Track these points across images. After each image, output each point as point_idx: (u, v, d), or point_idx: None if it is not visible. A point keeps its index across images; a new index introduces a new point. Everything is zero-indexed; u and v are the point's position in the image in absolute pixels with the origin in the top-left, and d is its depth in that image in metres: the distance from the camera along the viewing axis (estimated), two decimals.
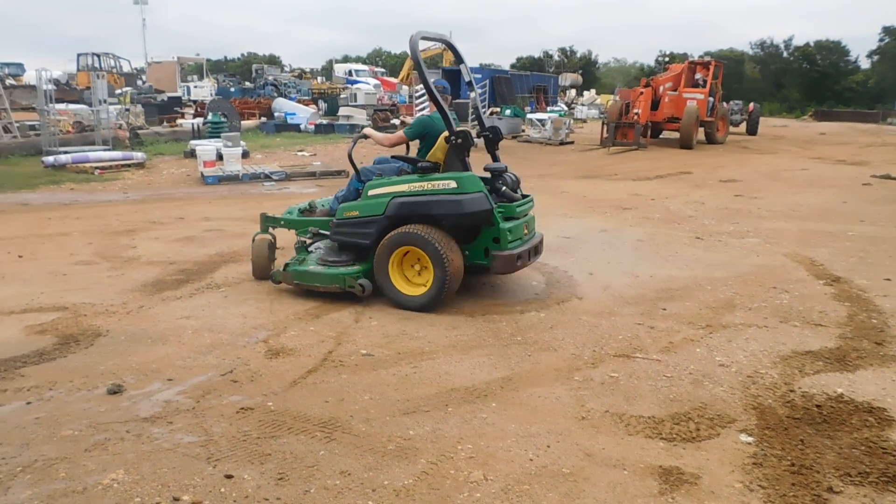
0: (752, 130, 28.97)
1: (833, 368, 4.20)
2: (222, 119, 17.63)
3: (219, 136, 15.21)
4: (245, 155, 14.59)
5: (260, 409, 3.51)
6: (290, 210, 6.16)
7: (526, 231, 5.48)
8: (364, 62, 60.48)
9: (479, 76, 29.91)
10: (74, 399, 3.60)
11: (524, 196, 5.60)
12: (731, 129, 26.87)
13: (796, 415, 3.57)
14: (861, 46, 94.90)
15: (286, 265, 5.59)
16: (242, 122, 21.37)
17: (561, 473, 2.97)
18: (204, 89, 33.47)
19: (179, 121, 22.27)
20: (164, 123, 22.13)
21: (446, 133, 5.30)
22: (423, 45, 5.81)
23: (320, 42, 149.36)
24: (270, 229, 6.17)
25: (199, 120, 19.60)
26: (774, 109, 57.29)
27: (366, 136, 5.88)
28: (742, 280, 6.17)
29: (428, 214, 5.09)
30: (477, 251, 5.22)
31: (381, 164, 5.80)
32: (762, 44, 72.49)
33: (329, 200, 6.01)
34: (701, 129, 22.15)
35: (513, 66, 62.52)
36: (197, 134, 17.84)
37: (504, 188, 5.41)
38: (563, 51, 73.42)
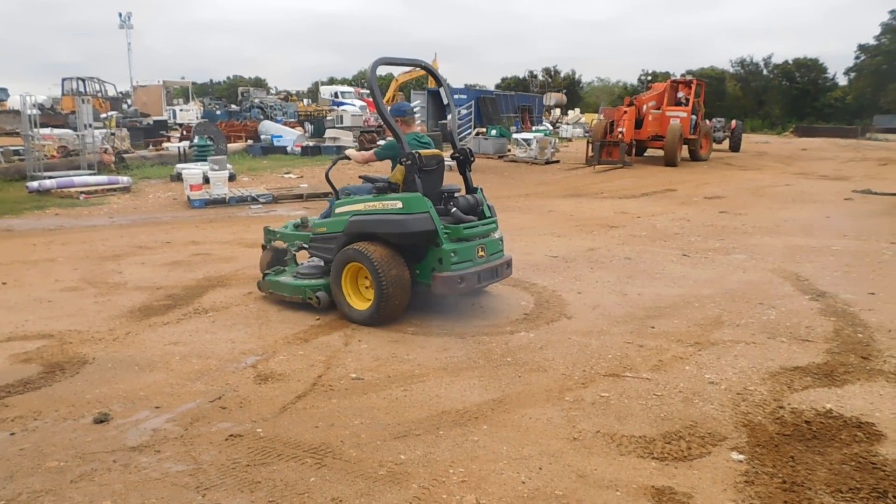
0: (735, 147, 29.37)
1: (821, 384, 4.22)
2: (208, 142, 17.61)
3: (205, 160, 15.18)
4: (232, 178, 14.56)
5: (249, 436, 3.48)
6: (287, 225, 6.69)
7: (481, 253, 5.44)
8: (350, 84, 60.79)
9: (464, 97, 30.14)
10: (60, 429, 3.55)
11: (487, 217, 5.65)
12: (715, 146, 27.27)
13: (786, 431, 3.58)
14: (838, 64, 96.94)
15: (265, 274, 6.00)
16: (229, 145, 21.34)
17: (554, 496, 2.96)
18: (190, 112, 33.47)
19: (165, 144, 22.20)
20: (150, 147, 22.04)
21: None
22: (407, 67, 6.02)
23: (306, 64, 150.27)
24: (274, 242, 6.54)
25: (186, 143, 19.55)
26: (756, 126, 58.13)
27: (347, 157, 6.25)
28: (729, 296, 6.21)
29: (374, 233, 5.27)
30: (426, 271, 5.30)
31: (363, 184, 5.92)
32: (742, 62, 73.67)
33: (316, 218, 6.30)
34: (685, 147, 22.43)
35: (497, 87, 63.04)
36: (183, 157, 17.78)
37: (454, 209, 5.46)
38: (547, 71, 74.24)
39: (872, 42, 61.33)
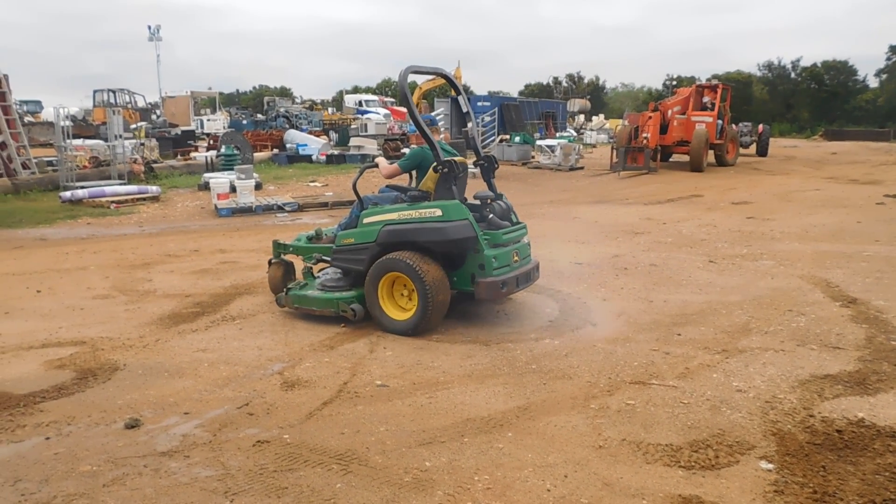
0: (762, 152, 28.97)
1: (853, 392, 4.15)
2: (235, 151, 17.87)
3: (232, 169, 15.41)
4: (258, 187, 14.76)
5: (276, 442, 3.52)
6: (299, 237, 6.42)
7: (516, 258, 5.51)
8: (374, 92, 61.25)
9: (487, 104, 30.21)
10: (93, 434, 3.63)
11: (516, 223, 5.73)
12: (742, 150, 26.90)
13: (817, 440, 3.52)
14: (869, 66, 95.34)
15: (288, 289, 5.83)
16: (255, 154, 21.63)
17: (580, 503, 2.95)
18: (217, 122, 33.96)
19: (193, 154, 22.59)
20: (179, 157, 22.43)
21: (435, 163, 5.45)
22: (430, 76, 6.08)
23: (330, 73, 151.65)
24: (284, 255, 6.45)
25: (213, 153, 19.86)
26: (784, 130, 57.32)
27: (376, 165, 6.17)
28: (757, 303, 6.13)
29: (414, 241, 5.24)
30: (464, 278, 5.33)
31: (384, 192, 5.96)
32: (770, 65, 72.78)
33: (334, 228, 6.18)
34: (711, 152, 22.20)
35: (521, 93, 63.09)
36: (210, 167, 18.06)
37: (491, 216, 5.56)
38: (570, 76, 74.05)
39: None
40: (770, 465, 3.27)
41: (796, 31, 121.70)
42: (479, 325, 5.50)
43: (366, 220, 5.53)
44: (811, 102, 68.19)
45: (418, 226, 5.20)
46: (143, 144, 20.70)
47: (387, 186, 5.99)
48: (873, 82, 66.77)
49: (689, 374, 4.43)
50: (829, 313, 5.83)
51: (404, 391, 4.19)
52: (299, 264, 6.29)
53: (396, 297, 5.41)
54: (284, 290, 5.86)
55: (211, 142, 24.48)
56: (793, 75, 71.66)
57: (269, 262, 6.45)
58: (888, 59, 61.99)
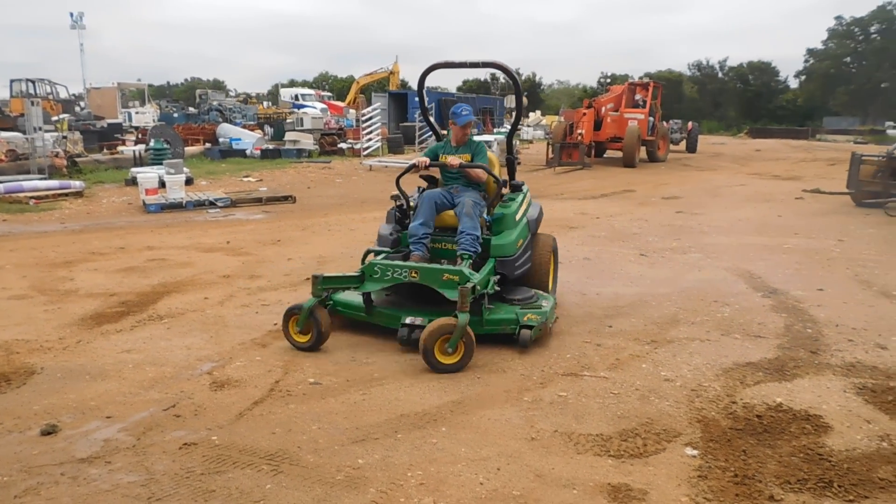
0: (691, 148, 29.98)
1: (772, 378, 4.33)
2: (165, 145, 17.27)
3: (161, 163, 14.88)
4: (189, 182, 14.31)
5: (204, 444, 3.41)
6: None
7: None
8: (311, 86, 60.32)
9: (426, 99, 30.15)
10: (5, 442, 3.43)
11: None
12: (672, 147, 27.76)
13: (738, 426, 3.66)
14: (790, 67, 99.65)
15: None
16: (186, 149, 20.97)
17: (511, 496, 2.97)
18: (146, 115, 32.82)
19: (120, 148, 21.70)
20: (105, 151, 21.53)
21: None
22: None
23: (266, 66, 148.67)
24: None
25: (141, 147, 19.15)
26: (713, 127, 59.50)
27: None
28: (685, 295, 6.32)
29: None
30: None
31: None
32: (699, 65, 75.40)
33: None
34: (643, 148, 22.81)
35: (459, 89, 63.30)
36: (139, 161, 17.41)
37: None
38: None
39: (821, 47, 63.31)
40: (695, 452, 3.38)
41: (724, 33, 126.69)
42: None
43: None
44: (737, 101, 71.08)
45: None
46: (65, 137, 19.74)
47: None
48: (794, 83, 70.03)
49: (620, 365, 4.53)
50: (752, 304, 6.07)
51: (338, 388, 4.14)
52: None
53: None
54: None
55: (139, 135, 23.63)
56: (720, 75, 74.50)
57: None
58: (806, 61, 65.11)
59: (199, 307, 5.88)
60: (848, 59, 61.49)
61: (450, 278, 4.64)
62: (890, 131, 47.63)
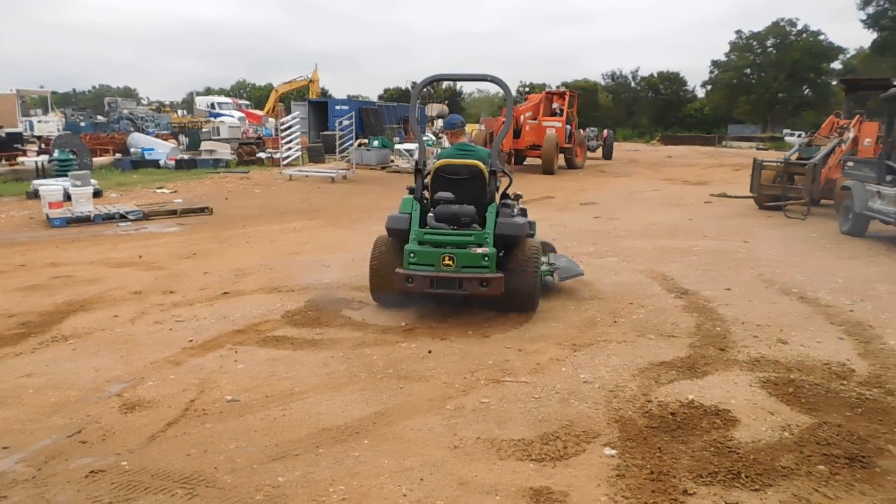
0: (607, 155, 30.99)
1: (685, 376, 4.50)
2: (71, 156, 16.41)
3: (66, 175, 14.13)
4: (97, 194, 13.65)
5: (113, 471, 3.24)
6: None
7: (448, 262, 5.58)
8: (228, 94, 58.84)
9: (346, 108, 29.98)
10: None
11: (466, 232, 5.79)
12: (589, 154, 28.60)
13: (654, 424, 3.78)
14: (696, 77, 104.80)
15: None
16: (95, 159, 20.01)
17: None
18: (50, 124, 31.10)
19: (21, 159, 20.47)
20: (3, 162, 20.27)
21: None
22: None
23: (181, 74, 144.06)
24: None
25: (45, 157, 18.13)
26: (627, 135, 61.77)
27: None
28: (603, 298, 6.50)
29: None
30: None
31: None
32: (613, 74, 78.07)
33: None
34: (561, 156, 23.39)
35: (380, 98, 63.17)
36: (42, 173, 16.46)
37: (430, 215, 5.95)
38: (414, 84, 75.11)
39: (724, 58, 66.78)
40: (613, 451, 3.47)
41: (635, 44, 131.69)
42: (336, 332, 5.40)
43: None
44: (650, 109, 74.08)
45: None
46: None
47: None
48: (701, 92, 73.55)
49: (541, 370, 4.61)
50: (666, 304, 6.30)
51: (257, 405, 4.02)
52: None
53: None
54: None
55: (42, 145, 22.36)
56: (633, 84, 77.40)
57: None
58: (711, 72, 68.46)
59: (109, 325, 5.60)
60: (748, 70, 65.08)
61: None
62: (788, 138, 50.73)
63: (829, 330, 5.55)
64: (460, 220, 5.80)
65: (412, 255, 5.57)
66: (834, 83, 55.72)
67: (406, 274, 5.49)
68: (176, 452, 3.44)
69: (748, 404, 4.04)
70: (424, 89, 6.47)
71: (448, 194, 5.85)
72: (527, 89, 66.56)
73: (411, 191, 6.03)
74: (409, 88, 64.91)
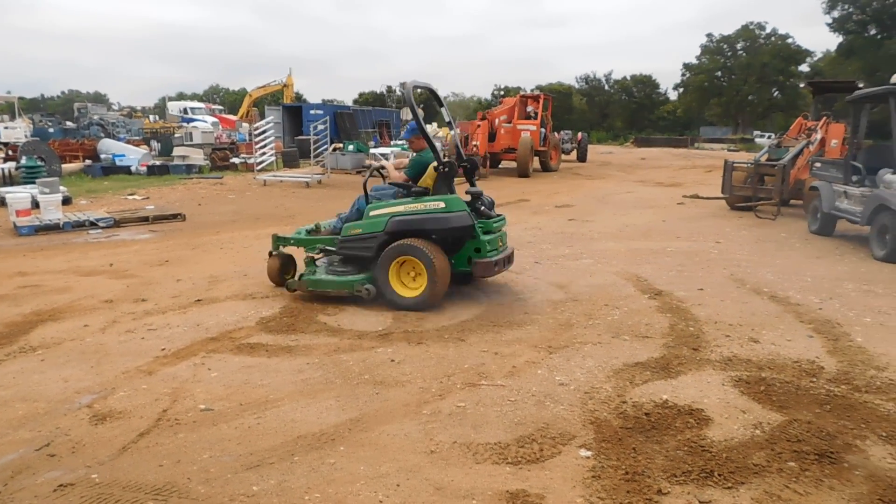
0: (582, 158, 31.24)
1: (659, 377, 4.54)
2: (39, 163, 16.15)
3: (34, 182, 13.87)
4: (67, 201, 13.43)
5: (82, 484, 3.18)
6: (299, 231, 7.18)
7: (500, 243, 6.50)
8: (201, 99, 58.24)
9: (321, 112, 29.84)
10: None
11: (498, 215, 6.70)
12: (564, 157, 28.81)
13: (629, 424, 3.81)
14: (668, 80, 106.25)
15: (300, 276, 6.55)
16: (64, 166, 19.69)
17: None
18: (17, 130, 30.42)
19: None
20: None
21: (436, 163, 6.32)
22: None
23: (152, 78, 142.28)
24: (282, 248, 7.05)
25: (12, 164, 17.79)
26: (601, 137, 62.37)
27: (382, 169, 7.16)
28: (578, 300, 6.54)
29: (421, 230, 6.13)
30: (461, 260, 6.26)
31: (379, 191, 6.76)
32: (587, 78, 78.74)
33: (332, 222, 7.07)
34: (536, 159, 23.51)
35: (355, 102, 63.06)
36: (9, 180, 16.16)
37: (483, 207, 6.47)
38: (404, 85, 75.13)
39: (695, 61, 67.75)
40: (588, 453, 3.49)
41: (608, 48, 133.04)
42: (311, 338, 5.37)
43: (373, 213, 6.31)
44: (623, 112, 74.85)
45: (425, 216, 6.10)
46: None
47: (389, 184, 6.80)
48: (673, 95, 74.51)
49: (517, 372, 4.62)
50: (640, 305, 6.36)
51: (231, 413, 3.98)
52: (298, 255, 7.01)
53: (404, 277, 6.19)
54: (297, 276, 6.57)
55: (9, 152, 21.93)
56: (606, 87, 78.12)
57: (269, 254, 7.07)
58: (683, 75, 69.40)
59: (78, 335, 5.51)
60: (719, 73, 66.11)
61: None
62: (758, 139, 51.59)
63: (798, 328, 5.64)
64: (493, 208, 6.65)
65: (488, 245, 6.20)
66: (802, 86, 56.83)
67: (492, 261, 6.14)
68: (148, 464, 3.38)
69: (721, 403, 4.09)
70: (419, 91, 6.87)
71: (477, 189, 6.57)
72: (501, 93, 66.91)
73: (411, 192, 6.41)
74: (384, 92, 64.91)
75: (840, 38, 48.51)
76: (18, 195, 11.86)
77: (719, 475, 3.22)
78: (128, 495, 3.08)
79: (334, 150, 24.82)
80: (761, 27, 63.98)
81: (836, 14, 47.27)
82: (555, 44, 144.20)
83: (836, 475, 3.25)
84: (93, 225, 11.58)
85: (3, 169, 17.50)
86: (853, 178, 9.80)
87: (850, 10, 46.22)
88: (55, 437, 3.68)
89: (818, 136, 12.98)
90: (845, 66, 46.80)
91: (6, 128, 30.47)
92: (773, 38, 63.24)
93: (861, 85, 14.03)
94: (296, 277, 6.58)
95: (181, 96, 64.37)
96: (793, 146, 13.60)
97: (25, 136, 27.60)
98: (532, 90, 30.37)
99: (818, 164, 11.31)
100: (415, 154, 6.91)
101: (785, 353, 5.01)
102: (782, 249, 9.47)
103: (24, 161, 16.29)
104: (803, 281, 7.34)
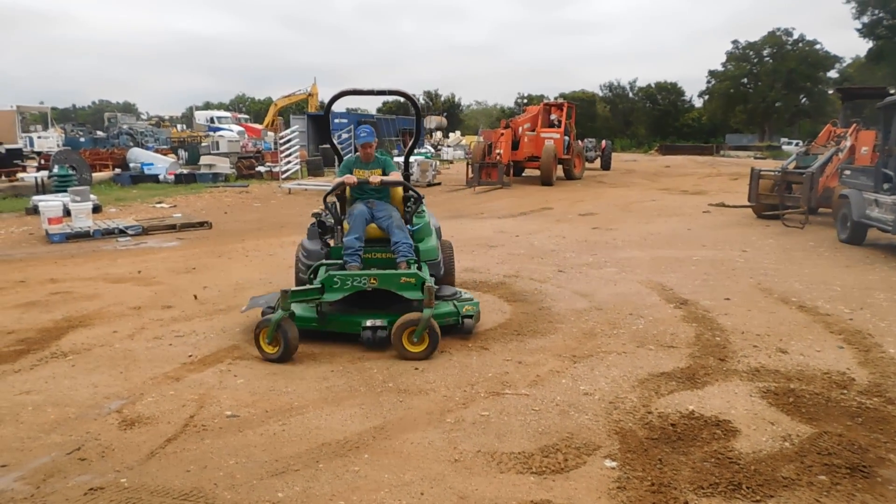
0: (605, 166, 31.08)
1: (685, 387, 4.49)
2: (70, 172, 16.47)
3: (66, 190, 14.17)
4: (97, 209, 13.68)
5: (112, 488, 3.23)
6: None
7: None
8: (227, 109, 59.06)
9: (345, 121, 30.05)
10: None
11: None
12: (587, 165, 28.70)
13: (654, 435, 3.77)
14: (693, 87, 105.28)
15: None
16: (94, 175, 20.08)
17: None
18: (49, 140, 31.19)
19: (20, 175, 20.54)
20: (2, 178, 20.33)
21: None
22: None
23: (180, 88, 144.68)
24: None
25: (44, 173, 18.20)
26: (625, 145, 62.01)
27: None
28: (602, 309, 6.50)
29: None
30: None
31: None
32: (610, 85, 78.37)
33: None
34: (559, 167, 23.45)
35: (379, 110, 63.43)
36: (41, 189, 16.52)
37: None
38: (428, 94, 75.55)
39: (720, 68, 67.08)
40: (613, 463, 3.46)
41: (633, 55, 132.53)
42: (334, 347, 5.39)
43: None
44: (647, 120, 74.34)
45: None
46: None
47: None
48: (698, 102, 73.84)
49: (541, 382, 4.60)
50: (665, 315, 6.30)
51: (256, 420, 4.01)
52: None
53: None
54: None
55: (42, 161, 22.44)
56: (630, 95, 77.70)
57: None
58: (708, 82, 68.72)
59: (107, 341, 5.60)
60: (745, 80, 65.33)
61: (407, 281, 5.28)
62: (785, 147, 50.89)
63: (828, 339, 5.55)
64: None
65: None
66: (830, 92, 55.94)
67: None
68: (175, 469, 3.43)
69: (748, 414, 4.03)
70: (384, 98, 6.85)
71: None
72: (525, 101, 66.88)
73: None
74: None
75: (870, 44, 47.75)
76: (50, 203, 12.10)
77: (747, 488, 3.17)
78: (156, 500, 3.12)
79: None
80: (788, 33, 63.16)
81: (865, 19, 46.53)
82: (578, 52, 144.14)
83: (869, 489, 3.19)
84: (122, 233, 11.78)
85: (36, 178, 17.91)
86: (884, 185, 9.63)
87: (881, 14, 45.47)
88: (85, 442, 3.74)
89: (848, 143, 12.78)
90: (875, 72, 46.03)
91: (39, 137, 31.23)
92: (800, 44, 62.36)
93: (892, 91, 13.77)
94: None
95: (208, 106, 65.40)
96: (821, 154, 13.40)
97: (57, 146, 28.27)
98: (555, 98, 30.33)
99: (848, 172, 11.12)
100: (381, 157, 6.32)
101: (814, 363, 4.93)
102: (810, 258, 9.32)
103: (55, 170, 16.62)
104: (832, 290, 7.22)
